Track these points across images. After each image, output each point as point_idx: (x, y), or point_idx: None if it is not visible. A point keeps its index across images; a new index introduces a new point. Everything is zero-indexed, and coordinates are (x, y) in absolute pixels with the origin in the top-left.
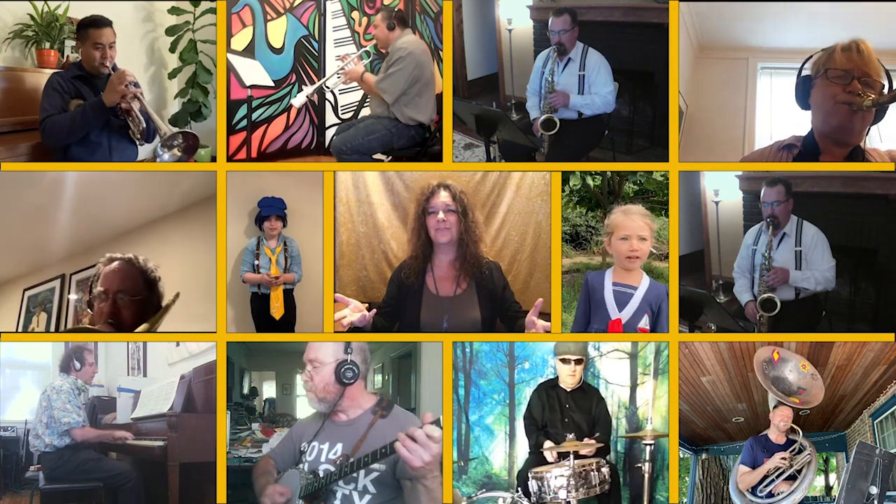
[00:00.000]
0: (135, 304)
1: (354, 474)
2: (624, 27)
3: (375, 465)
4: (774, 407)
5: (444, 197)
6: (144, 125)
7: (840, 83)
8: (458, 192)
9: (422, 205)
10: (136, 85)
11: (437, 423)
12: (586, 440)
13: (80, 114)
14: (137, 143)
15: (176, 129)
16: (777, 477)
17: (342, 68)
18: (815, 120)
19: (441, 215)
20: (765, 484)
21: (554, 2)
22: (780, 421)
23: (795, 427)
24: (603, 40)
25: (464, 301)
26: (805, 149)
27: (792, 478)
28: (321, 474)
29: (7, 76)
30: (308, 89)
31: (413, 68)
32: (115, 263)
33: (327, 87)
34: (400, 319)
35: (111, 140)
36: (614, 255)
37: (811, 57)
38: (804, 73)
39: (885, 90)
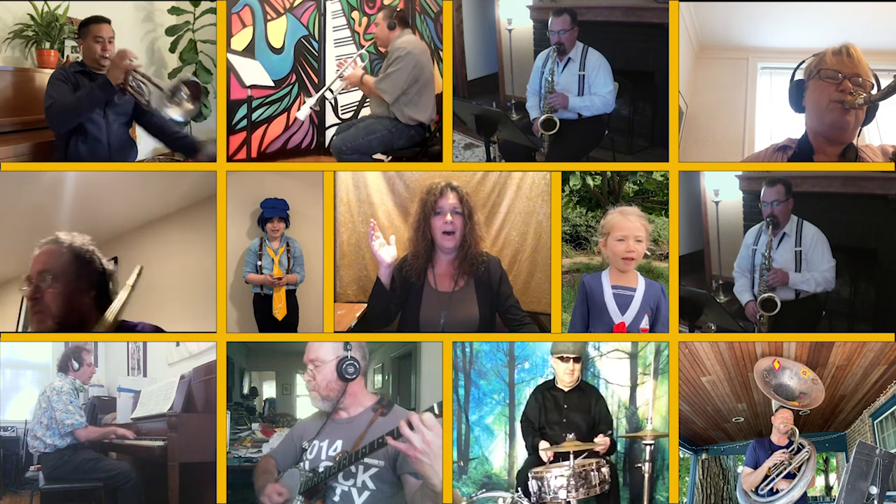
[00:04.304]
0: (62, 284)
1: (353, 469)
2: (624, 27)
3: (374, 461)
4: (777, 410)
5: (451, 199)
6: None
7: (832, 82)
8: (464, 193)
9: (429, 205)
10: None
11: (430, 409)
12: (598, 439)
13: (87, 93)
14: (144, 106)
15: (173, 82)
16: (778, 475)
17: (341, 74)
18: (810, 119)
19: (448, 217)
20: (766, 482)
21: (554, 2)
22: (780, 423)
23: (794, 428)
24: (603, 40)
25: (462, 297)
26: (800, 150)
27: (791, 476)
28: (320, 470)
29: (7, 76)
30: (311, 100)
31: (412, 68)
32: (41, 248)
33: (331, 92)
34: (401, 311)
35: (111, 138)
36: (610, 256)
37: (803, 62)
38: (796, 77)
39: (875, 90)
